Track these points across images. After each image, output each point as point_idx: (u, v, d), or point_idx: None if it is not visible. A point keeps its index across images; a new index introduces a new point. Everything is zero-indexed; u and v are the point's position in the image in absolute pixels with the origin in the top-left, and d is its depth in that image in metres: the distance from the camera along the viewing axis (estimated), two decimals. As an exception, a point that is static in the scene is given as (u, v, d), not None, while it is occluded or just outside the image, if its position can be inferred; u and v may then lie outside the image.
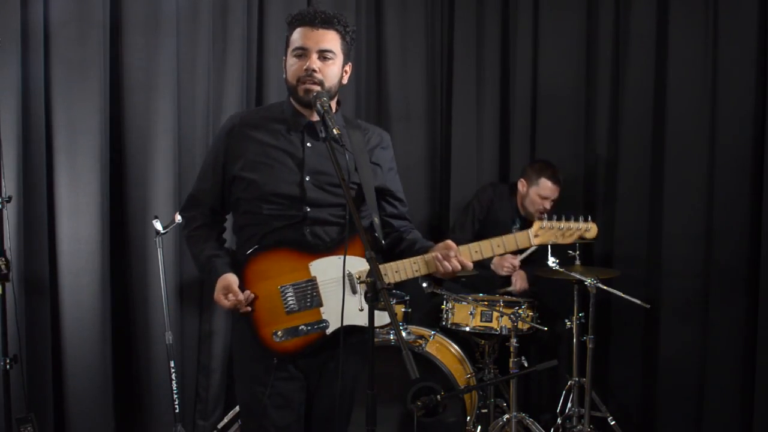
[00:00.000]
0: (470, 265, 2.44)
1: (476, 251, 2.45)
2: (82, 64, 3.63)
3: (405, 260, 2.44)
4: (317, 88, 2.38)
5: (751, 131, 3.90)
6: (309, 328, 2.40)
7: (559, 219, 2.54)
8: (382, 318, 2.33)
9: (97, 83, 3.68)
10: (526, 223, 4.37)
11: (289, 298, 2.40)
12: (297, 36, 2.41)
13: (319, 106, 2.33)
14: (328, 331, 2.40)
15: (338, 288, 2.39)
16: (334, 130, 2.26)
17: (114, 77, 3.80)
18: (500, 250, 2.47)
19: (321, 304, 2.41)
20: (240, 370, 2.54)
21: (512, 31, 4.71)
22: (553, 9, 4.61)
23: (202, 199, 2.55)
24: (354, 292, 2.42)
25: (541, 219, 2.53)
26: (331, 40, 2.42)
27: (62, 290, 3.65)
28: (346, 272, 2.39)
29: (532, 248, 4.00)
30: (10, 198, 3.20)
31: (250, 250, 2.44)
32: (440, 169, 4.89)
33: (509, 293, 4.23)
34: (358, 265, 2.41)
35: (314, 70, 2.38)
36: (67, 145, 3.64)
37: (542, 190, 4.23)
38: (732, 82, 3.97)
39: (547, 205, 4.25)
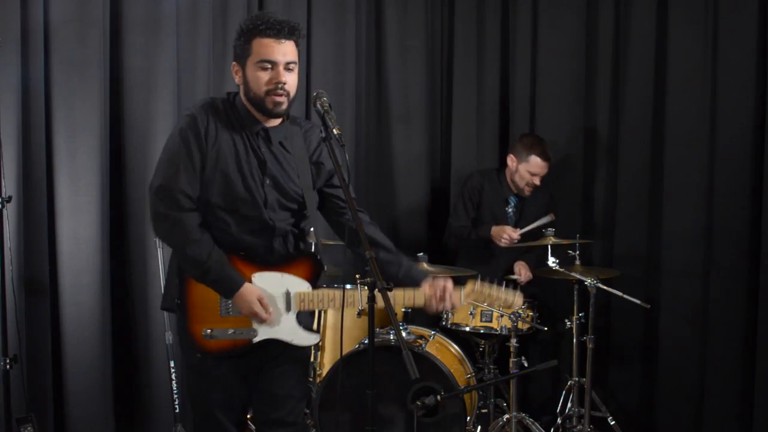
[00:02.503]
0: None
1: (409, 298, 2.53)
2: (82, 64, 3.63)
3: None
4: (285, 100, 2.44)
5: (751, 131, 3.90)
6: (237, 333, 2.48)
7: (491, 285, 2.64)
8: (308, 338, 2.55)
9: (97, 83, 3.68)
10: (521, 201, 4.37)
11: (228, 303, 2.49)
12: (261, 48, 2.42)
13: (318, 106, 2.37)
14: (255, 339, 2.50)
15: (274, 304, 2.49)
16: (335, 130, 2.28)
17: (114, 77, 3.80)
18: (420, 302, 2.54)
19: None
20: (184, 360, 2.70)
21: (512, 31, 4.71)
22: (553, 9, 4.60)
23: (190, 193, 2.43)
24: (288, 309, 2.51)
25: (474, 281, 2.63)
26: (293, 51, 2.47)
27: (62, 290, 3.65)
28: (285, 290, 2.50)
29: (541, 221, 4.02)
30: (10, 198, 3.20)
31: None
32: (440, 169, 4.89)
33: (515, 283, 4.22)
34: (299, 285, 2.51)
35: (285, 83, 2.42)
36: (67, 145, 3.64)
37: (532, 167, 4.22)
38: (732, 82, 3.97)
39: (537, 181, 4.25)
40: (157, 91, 3.84)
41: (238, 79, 2.51)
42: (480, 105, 4.76)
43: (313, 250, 2.62)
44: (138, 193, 3.85)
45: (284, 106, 2.45)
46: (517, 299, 2.68)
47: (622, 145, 4.43)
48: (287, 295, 2.50)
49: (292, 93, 2.48)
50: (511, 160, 4.31)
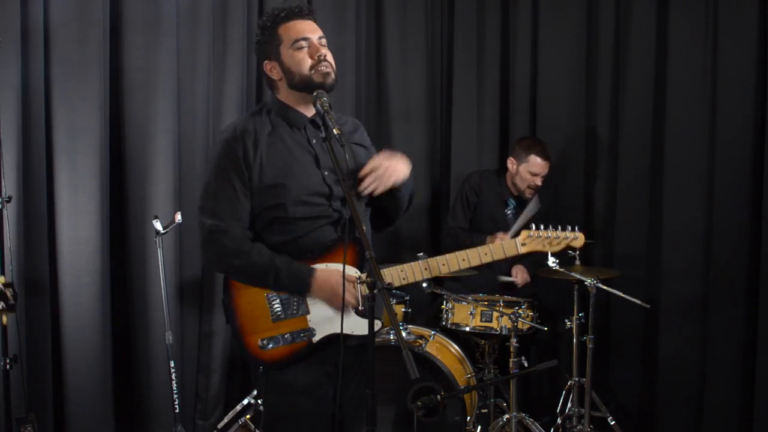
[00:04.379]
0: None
1: (463, 259, 2.49)
2: (82, 64, 3.63)
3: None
4: (331, 70, 2.38)
5: (751, 131, 3.90)
6: (294, 336, 2.37)
7: (546, 228, 2.61)
8: (362, 326, 2.33)
9: (97, 83, 3.68)
10: (521, 202, 4.37)
11: (276, 306, 2.38)
12: (290, 31, 2.40)
13: (318, 106, 2.33)
14: (315, 339, 2.38)
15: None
16: (335, 130, 2.26)
17: (114, 77, 3.80)
18: (488, 258, 2.52)
19: (308, 312, 2.39)
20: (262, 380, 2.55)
21: (512, 31, 4.71)
22: (553, 9, 4.61)
23: (243, 217, 2.38)
24: None
25: (529, 228, 2.61)
26: (319, 28, 2.45)
27: (62, 290, 3.65)
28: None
29: (528, 213, 3.97)
30: (10, 198, 3.19)
31: None
32: (440, 169, 4.89)
33: (513, 286, 4.21)
34: (347, 271, 2.36)
35: (325, 54, 2.39)
36: (67, 145, 3.64)
37: (532, 167, 4.22)
38: (732, 82, 3.96)
39: (538, 181, 4.25)
40: (157, 91, 3.84)
41: (275, 74, 2.43)
42: (480, 105, 4.76)
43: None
44: (138, 193, 3.85)
45: (332, 77, 2.38)
46: (578, 234, 2.63)
47: (622, 145, 4.43)
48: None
49: (334, 67, 2.42)
50: (511, 163, 4.31)
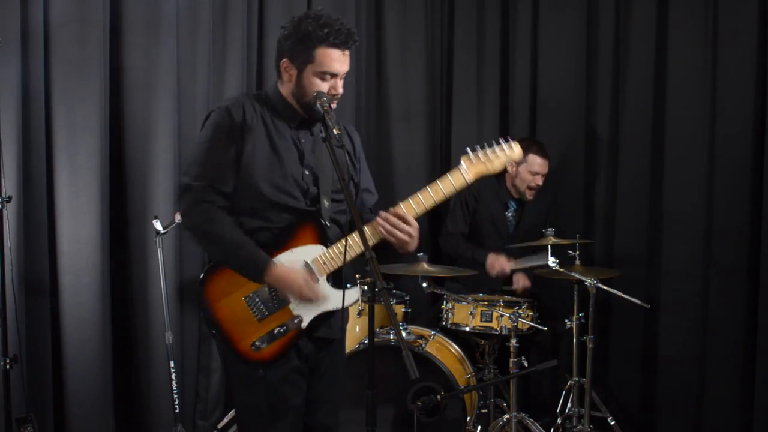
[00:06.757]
0: (414, 224, 2.46)
1: (418, 203, 2.49)
2: (82, 64, 3.63)
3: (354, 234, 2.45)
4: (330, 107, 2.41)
5: (751, 131, 3.90)
6: (284, 328, 2.41)
7: (482, 149, 2.53)
8: (349, 296, 2.44)
9: (97, 83, 3.68)
10: (521, 204, 4.37)
11: (257, 306, 2.41)
12: (326, 59, 2.39)
13: (318, 106, 2.36)
14: (303, 324, 2.42)
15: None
16: (334, 130, 2.28)
17: (114, 77, 3.80)
18: (440, 196, 2.50)
19: (289, 301, 2.42)
20: (238, 383, 2.54)
21: (512, 31, 4.71)
22: (553, 9, 4.61)
23: (223, 189, 2.39)
24: (316, 280, 2.43)
25: (466, 154, 2.52)
26: (350, 60, 2.46)
27: (62, 290, 3.65)
28: (302, 263, 2.42)
29: (535, 263, 3.99)
30: (10, 198, 3.19)
31: (207, 268, 2.47)
32: (440, 169, 4.89)
33: (512, 293, 4.22)
34: (312, 252, 2.43)
35: (338, 95, 2.44)
36: (67, 145, 3.64)
37: (532, 166, 4.22)
38: (732, 82, 3.97)
39: (539, 180, 4.25)
40: (157, 91, 3.84)
41: (287, 77, 2.46)
42: (480, 105, 4.76)
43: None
44: (138, 193, 3.85)
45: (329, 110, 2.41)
46: (514, 144, 2.52)
47: (622, 145, 4.43)
48: (307, 267, 2.41)
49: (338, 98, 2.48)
50: (510, 165, 4.29)
